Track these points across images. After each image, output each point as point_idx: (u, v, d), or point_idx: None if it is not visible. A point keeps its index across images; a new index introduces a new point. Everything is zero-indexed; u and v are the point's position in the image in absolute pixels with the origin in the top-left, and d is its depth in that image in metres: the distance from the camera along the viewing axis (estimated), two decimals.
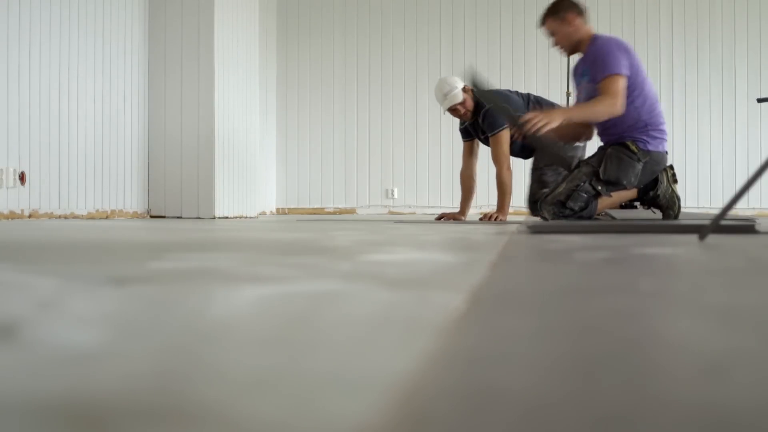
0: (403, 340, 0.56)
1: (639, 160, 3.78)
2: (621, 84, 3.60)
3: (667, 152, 3.92)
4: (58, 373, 0.45)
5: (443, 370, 0.46)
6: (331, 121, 7.98)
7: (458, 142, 7.58)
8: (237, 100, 5.65)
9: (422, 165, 7.85)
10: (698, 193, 7.61)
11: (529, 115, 3.48)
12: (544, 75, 7.78)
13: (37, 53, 4.35)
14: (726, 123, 7.64)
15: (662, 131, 3.84)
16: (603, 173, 3.80)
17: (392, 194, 7.86)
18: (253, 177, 5.92)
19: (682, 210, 6.03)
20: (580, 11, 3.86)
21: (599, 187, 3.82)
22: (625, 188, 3.85)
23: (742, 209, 7.15)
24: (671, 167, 4.08)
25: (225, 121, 5.43)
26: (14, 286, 0.93)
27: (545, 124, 3.38)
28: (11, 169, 4.11)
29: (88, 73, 4.84)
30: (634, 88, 3.72)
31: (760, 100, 3.55)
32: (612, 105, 3.56)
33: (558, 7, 3.86)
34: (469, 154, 4.62)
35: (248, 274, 1.07)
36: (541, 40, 7.81)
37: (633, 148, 3.77)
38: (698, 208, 7.52)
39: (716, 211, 2.10)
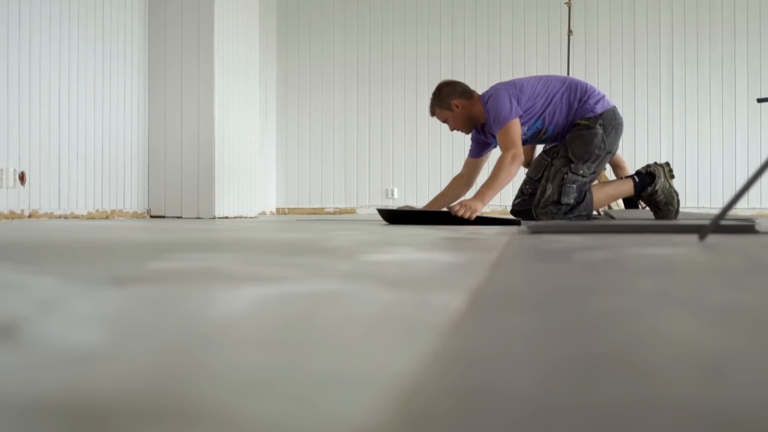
0: (403, 340, 0.56)
1: (593, 126, 3.88)
2: (513, 128, 3.75)
3: (614, 107, 4.01)
4: (58, 373, 0.45)
5: (443, 370, 0.46)
6: (331, 121, 7.98)
7: (458, 142, 7.61)
8: (237, 100, 5.65)
9: (422, 165, 7.85)
10: (698, 193, 7.61)
11: (454, 208, 3.49)
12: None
13: (37, 53, 4.35)
14: (726, 123, 7.64)
15: (596, 94, 3.99)
16: (573, 156, 3.87)
17: (392, 194, 7.86)
18: (253, 177, 5.92)
19: (682, 210, 6.03)
20: (461, 92, 3.96)
21: (581, 171, 3.87)
22: (600, 157, 3.89)
23: (742, 209, 7.15)
24: (667, 164, 4.10)
25: (225, 121, 5.43)
26: (14, 286, 0.93)
27: (470, 214, 3.40)
28: (11, 169, 4.11)
29: (88, 73, 4.84)
30: (544, 97, 3.90)
31: (760, 100, 3.55)
32: (513, 157, 3.67)
33: (441, 97, 3.97)
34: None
35: (248, 274, 1.07)
36: (541, 40, 7.81)
37: (583, 122, 3.89)
38: (698, 208, 7.52)
39: (716, 211, 2.10)
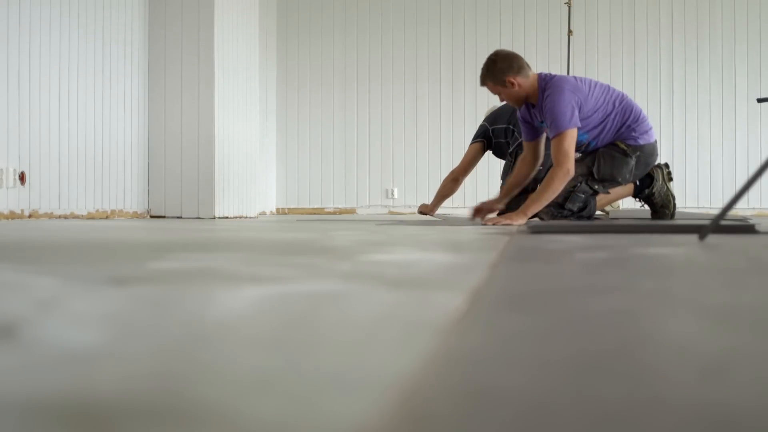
0: (403, 340, 0.56)
1: (630, 155, 3.82)
2: (569, 139, 3.56)
3: (656, 141, 3.95)
4: (58, 373, 0.45)
5: (443, 370, 0.46)
6: (331, 120, 7.98)
7: (458, 142, 7.60)
8: (237, 100, 5.64)
9: (422, 165, 7.85)
10: (698, 193, 7.61)
11: (494, 220, 3.43)
12: None
13: (37, 53, 4.35)
14: (726, 123, 7.64)
15: (645, 125, 3.89)
16: (597, 172, 3.83)
17: (392, 194, 7.86)
18: (253, 177, 5.92)
19: (682, 210, 6.02)
20: (517, 68, 3.70)
21: (596, 186, 3.85)
22: (620, 184, 3.88)
23: (742, 209, 7.15)
24: (666, 165, 4.10)
25: (225, 120, 5.43)
26: (14, 286, 0.93)
27: (507, 224, 3.31)
28: (11, 169, 4.11)
29: (88, 73, 4.84)
30: (600, 109, 3.76)
31: (760, 100, 3.55)
32: (566, 174, 3.51)
33: (495, 72, 3.72)
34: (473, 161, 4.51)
35: (248, 274, 1.07)
36: (541, 40, 7.81)
37: (622, 146, 3.82)
38: (698, 208, 7.52)
39: (716, 211, 2.10)
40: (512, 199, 4.47)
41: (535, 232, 2.46)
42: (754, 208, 7.42)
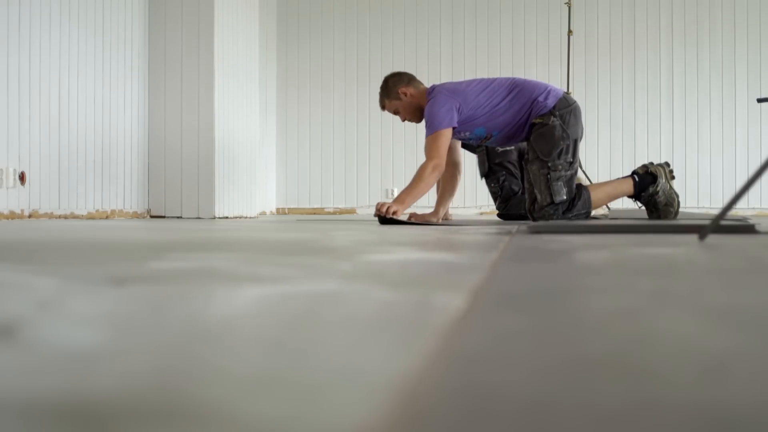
0: (403, 340, 0.56)
1: (548, 122, 3.88)
2: (441, 138, 3.76)
3: (564, 92, 4.00)
4: (58, 372, 0.45)
5: (443, 370, 0.46)
6: (331, 121, 7.98)
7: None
8: (237, 100, 5.64)
9: None
10: (698, 193, 7.61)
11: (378, 205, 3.62)
12: (544, 76, 7.78)
13: (37, 53, 4.35)
14: (726, 123, 7.64)
15: (543, 89, 3.99)
16: (542, 155, 3.86)
17: (392, 194, 7.86)
18: (253, 177, 5.92)
19: (682, 210, 6.01)
20: (407, 80, 3.99)
21: (559, 167, 3.86)
22: (570, 146, 3.88)
23: (742, 209, 7.15)
24: (668, 164, 4.10)
25: (225, 121, 5.43)
26: (14, 286, 0.93)
27: (394, 212, 3.53)
28: (11, 169, 4.11)
29: (88, 73, 4.84)
30: (487, 107, 3.89)
31: (760, 100, 3.55)
32: (434, 168, 3.71)
33: (388, 88, 3.99)
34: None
35: (248, 274, 1.07)
36: (541, 40, 7.81)
37: (539, 120, 3.89)
38: (698, 208, 7.52)
39: (716, 211, 2.10)
40: (510, 202, 4.51)
41: (535, 232, 2.46)
42: (754, 208, 7.42)
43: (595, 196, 3.94)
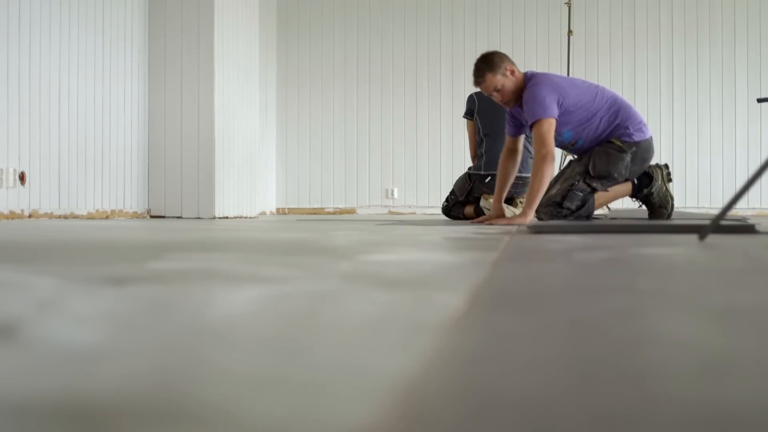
0: (403, 340, 0.56)
1: (626, 151, 3.84)
2: (545, 125, 3.63)
3: (651, 137, 3.95)
4: (58, 372, 0.45)
5: (443, 370, 0.46)
6: (331, 120, 7.98)
7: (458, 142, 7.60)
8: (237, 100, 5.64)
9: (422, 165, 7.85)
10: (698, 193, 7.61)
11: (500, 222, 3.55)
12: None
13: (37, 53, 4.35)
14: (726, 123, 7.64)
15: (639, 122, 3.91)
16: (593, 169, 3.84)
17: (392, 194, 7.86)
18: (253, 177, 5.92)
19: (683, 210, 6.00)
20: (512, 60, 3.83)
21: (594, 184, 3.85)
22: (617, 181, 3.89)
23: (742, 209, 7.15)
24: (666, 166, 4.10)
25: (225, 120, 5.43)
26: (14, 286, 0.93)
27: (521, 223, 3.41)
28: (11, 169, 4.11)
29: (88, 73, 4.84)
30: (586, 112, 3.80)
31: (760, 100, 3.55)
32: (544, 159, 3.56)
33: (495, 62, 3.76)
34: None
35: (248, 274, 1.07)
36: (541, 40, 7.80)
37: (617, 143, 3.84)
38: (698, 208, 7.51)
39: (716, 211, 2.10)
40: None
41: (535, 232, 2.46)
42: (754, 208, 7.41)
43: (597, 200, 3.95)
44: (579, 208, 3.85)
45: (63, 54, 4.60)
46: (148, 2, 5.42)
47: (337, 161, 7.95)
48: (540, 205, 3.84)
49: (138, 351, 0.52)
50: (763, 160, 1.94)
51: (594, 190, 3.86)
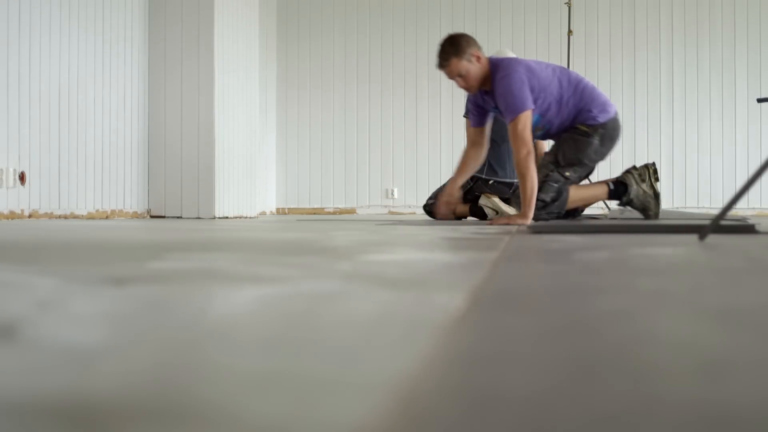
0: (403, 340, 0.56)
1: (592, 135, 3.81)
2: (523, 121, 3.54)
3: (616, 113, 3.92)
4: (58, 372, 0.45)
5: (443, 370, 0.46)
6: (331, 120, 7.98)
7: (458, 142, 7.60)
8: (237, 100, 5.64)
9: (422, 165, 7.85)
10: (698, 193, 7.61)
11: (500, 221, 3.54)
12: None
13: (37, 53, 4.35)
14: (726, 123, 7.63)
15: (603, 102, 3.88)
16: (562, 158, 3.82)
17: (392, 194, 7.86)
18: (253, 177, 5.92)
19: (683, 210, 6.00)
20: (478, 46, 3.64)
21: (567, 173, 3.82)
22: (588, 166, 3.87)
23: (742, 209, 7.15)
24: (653, 164, 4.09)
25: (225, 120, 5.43)
26: (14, 286, 0.93)
27: (521, 223, 3.36)
28: (11, 169, 4.11)
29: (88, 73, 4.84)
30: (554, 96, 3.74)
31: (760, 100, 3.55)
32: (525, 156, 3.50)
33: (461, 45, 3.58)
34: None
35: (248, 274, 1.07)
36: (541, 40, 7.80)
37: (583, 128, 3.81)
38: (698, 208, 7.51)
39: (716, 211, 2.10)
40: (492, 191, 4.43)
41: (535, 232, 2.46)
42: (754, 208, 7.41)
43: (571, 198, 3.92)
44: (554, 200, 3.81)
45: (63, 54, 4.60)
46: (148, 3, 5.42)
47: (337, 161, 7.95)
48: (514, 197, 3.84)
49: (138, 351, 0.52)
50: (763, 160, 1.94)
51: (567, 180, 3.84)
